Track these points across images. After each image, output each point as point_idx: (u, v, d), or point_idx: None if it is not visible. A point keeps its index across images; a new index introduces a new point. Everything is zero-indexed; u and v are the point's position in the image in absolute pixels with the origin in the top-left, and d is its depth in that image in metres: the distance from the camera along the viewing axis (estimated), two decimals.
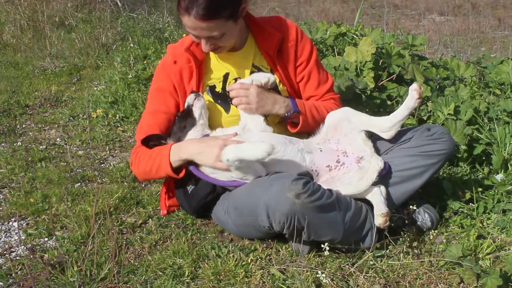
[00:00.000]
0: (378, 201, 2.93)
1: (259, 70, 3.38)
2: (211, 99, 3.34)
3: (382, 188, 3.04)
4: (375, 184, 3.03)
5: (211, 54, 3.38)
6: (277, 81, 3.37)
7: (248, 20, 3.37)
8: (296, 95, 3.44)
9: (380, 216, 2.88)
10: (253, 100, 3.17)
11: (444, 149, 3.14)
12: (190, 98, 3.25)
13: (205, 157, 3.03)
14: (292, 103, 3.28)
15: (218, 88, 3.36)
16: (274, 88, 3.31)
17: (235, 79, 3.34)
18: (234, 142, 2.99)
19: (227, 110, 3.34)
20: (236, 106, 3.24)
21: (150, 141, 3.24)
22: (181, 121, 3.26)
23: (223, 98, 3.33)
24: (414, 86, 3.12)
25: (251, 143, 2.88)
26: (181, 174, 3.18)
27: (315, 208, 2.72)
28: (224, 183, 3.09)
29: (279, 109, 3.24)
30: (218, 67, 3.39)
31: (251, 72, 3.34)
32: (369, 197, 3.00)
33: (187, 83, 3.33)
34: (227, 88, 3.25)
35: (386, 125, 3.17)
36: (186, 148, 3.11)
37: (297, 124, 3.30)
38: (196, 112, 3.22)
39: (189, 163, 3.14)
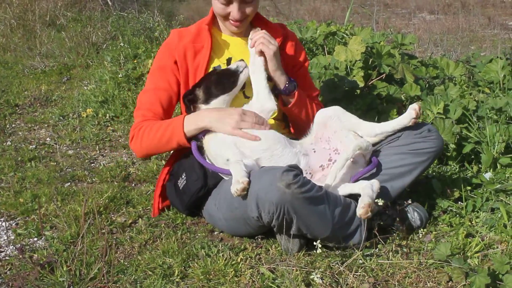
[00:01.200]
0: (365, 194, 2.93)
1: None
2: None
3: (375, 183, 3.03)
4: (368, 179, 3.06)
5: (218, 40, 3.47)
6: None
7: (254, 17, 3.50)
8: None
9: (361, 208, 2.88)
10: (275, 48, 3.24)
11: (433, 147, 3.16)
12: (241, 65, 3.26)
13: (225, 124, 3.10)
14: (292, 79, 3.38)
15: None
16: None
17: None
18: (251, 113, 3.14)
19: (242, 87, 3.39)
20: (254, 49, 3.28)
21: (190, 102, 3.28)
22: (221, 78, 3.25)
23: None
24: (414, 105, 3.14)
25: (237, 171, 2.87)
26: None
27: (305, 199, 2.73)
28: (222, 170, 3.10)
29: (284, 74, 3.33)
30: (223, 51, 3.46)
31: None
32: (359, 190, 3.00)
33: (191, 62, 3.36)
34: (252, 33, 3.30)
35: (374, 131, 3.21)
36: (205, 115, 3.17)
37: (288, 103, 3.37)
38: (241, 79, 3.25)
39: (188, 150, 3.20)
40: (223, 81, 3.24)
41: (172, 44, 3.42)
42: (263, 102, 3.23)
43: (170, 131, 3.20)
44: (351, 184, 3.06)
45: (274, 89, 3.35)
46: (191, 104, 3.29)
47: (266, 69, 3.29)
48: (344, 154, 3.03)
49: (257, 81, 3.25)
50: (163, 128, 3.23)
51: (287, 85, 3.32)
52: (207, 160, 3.16)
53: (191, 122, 3.18)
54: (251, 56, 3.29)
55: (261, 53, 3.25)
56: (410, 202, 3.23)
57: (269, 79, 3.29)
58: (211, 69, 3.39)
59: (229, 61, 3.43)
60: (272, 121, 3.39)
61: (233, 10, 3.25)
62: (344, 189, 3.04)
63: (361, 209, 2.86)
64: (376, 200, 2.92)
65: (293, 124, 3.50)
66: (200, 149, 3.19)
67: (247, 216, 2.89)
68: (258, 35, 3.24)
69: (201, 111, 3.23)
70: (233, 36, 3.49)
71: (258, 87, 3.25)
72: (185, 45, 3.37)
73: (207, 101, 3.25)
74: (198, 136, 3.19)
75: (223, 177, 3.16)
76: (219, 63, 3.42)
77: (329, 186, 3.00)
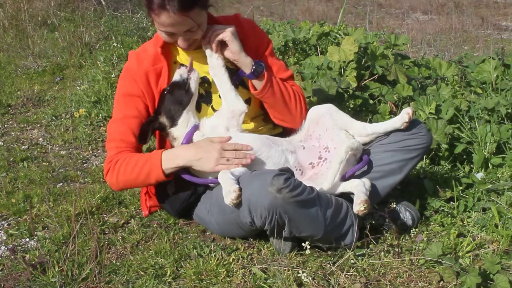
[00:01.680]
0: (359, 191, 2.94)
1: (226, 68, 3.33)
2: None
3: (366, 181, 3.05)
4: (359, 177, 3.08)
5: (175, 54, 3.35)
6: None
7: (208, 19, 3.33)
8: None
9: (358, 204, 2.89)
10: (230, 30, 3.17)
11: (422, 143, 3.19)
12: (183, 71, 3.15)
13: (204, 163, 3.01)
14: (259, 61, 3.29)
15: None
16: None
17: (202, 78, 3.28)
18: (231, 146, 3.02)
19: (198, 109, 3.30)
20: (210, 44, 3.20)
21: (147, 132, 3.15)
22: (175, 96, 3.15)
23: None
24: (408, 110, 3.17)
25: (225, 181, 2.86)
26: (172, 177, 3.15)
27: (296, 203, 2.73)
28: (209, 181, 3.10)
29: (248, 56, 3.24)
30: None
31: None
32: (352, 188, 3.01)
33: (155, 86, 3.25)
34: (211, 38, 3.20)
35: (365, 132, 3.23)
36: (183, 154, 3.06)
37: (259, 87, 3.26)
38: (192, 85, 3.14)
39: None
40: (177, 97, 3.15)
41: (132, 70, 3.27)
42: (231, 106, 3.17)
43: (148, 168, 3.09)
44: (343, 183, 3.07)
45: (241, 74, 3.28)
46: (160, 132, 3.25)
47: (228, 62, 3.23)
48: (338, 157, 3.03)
49: (221, 84, 3.19)
50: (140, 165, 3.10)
51: (253, 67, 3.21)
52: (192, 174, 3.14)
53: (169, 161, 3.07)
54: (208, 58, 3.20)
55: (217, 48, 3.18)
56: (399, 201, 3.25)
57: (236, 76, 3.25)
58: None
59: None
60: (251, 125, 3.35)
61: (179, 41, 3.16)
62: (334, 189, 3.05)
63: (358, 206, 2.87)
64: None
65: (272, 111, 3.35)
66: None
67: (240, 221, 2.91)
68: (208, 32, 3.16)
69: (177, 149, 3.14)
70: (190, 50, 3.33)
71: (223, 90, 3.19)
72: (146, 69, 3.23)
73: (173, 123, 3.17)
74: None
75: (211, 187, 3.17)
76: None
77: (324, 190, 3.00)
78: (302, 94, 3.44)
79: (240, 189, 2.77)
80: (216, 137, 3.09)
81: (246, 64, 3.23)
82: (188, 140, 3.14)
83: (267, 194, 2.69)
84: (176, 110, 3.16)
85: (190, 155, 3.04)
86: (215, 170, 2.98)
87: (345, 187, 3.06)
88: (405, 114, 3.16)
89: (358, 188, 2.98)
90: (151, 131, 3.19)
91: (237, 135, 3.14)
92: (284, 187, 2.68)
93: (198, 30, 3.11)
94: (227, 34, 3.15)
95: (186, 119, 3.19)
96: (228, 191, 2.78)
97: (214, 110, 3.31)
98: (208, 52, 3.20)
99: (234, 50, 3.18)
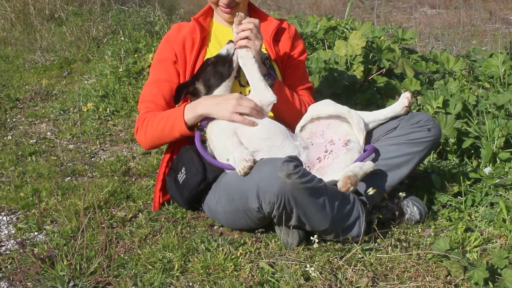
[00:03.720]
0: (349, 170, 2.92)
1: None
2: None
3: (368, 163, 3.03)
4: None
5: (213, 30, 3.55)
6: (275, 66, 3.52)
7: (250, 9, 3.60)
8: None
9: (340, 181, 2.85)
10: (259, 45, 3.20)
11: (429, 136, 3.18)
12: (230, 47, 3.23)
13: (222, 109, 3.12)
14: (271, 73, 3.36)
15: None
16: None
17: None
18: (248, 102, 3.12)
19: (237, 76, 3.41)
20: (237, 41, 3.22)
21: (181, 94, 3.27)
22: (217, 67, 3.23)
23: None
24: (406, 94, 3.20)
25: (241, 151, 2.92)
26: (193, 132, 3.24)
27: (305, 190, 2.74)
28: (223, 165, 3.11)
29: (262, 67, 3.29)
30: (218, 43, 3.49)
31: None
32: (348, 169, 2.99)
33: (189, 53, 3.43)
34: (242, 25, 3.20)
35: (366, 120, 3.24)
36: (203, 102, 3.19)
37: None
38: (235, 61, 3.21)
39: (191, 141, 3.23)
40: (219, 69, 3.24)
41: (171, 36, 3.50)
42: (261, 95, 3.19)
43: (172, 121, 3.24)
44: (344, 169, 3.04)
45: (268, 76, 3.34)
46: (193, 97, 3.30)
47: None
48: (349, 154, 3.07)
49: (250, 75, 3.20)
50: (165, 118, 3.27)
51: (265, 78, 3.25)
52: (208, 152, 3.18)
53: (190, 110, 3.21)
54: (238, 49, 3.21)
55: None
56: (407, 195, 3.24)
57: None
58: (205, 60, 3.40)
59: None
60: (271, 113, 3.38)
61: None
62: (338, 175, 3.03)
63: (341, 182, 2.85)
64: (368, 190, 2.94)
65: (278, 120, 3.39)
66: (203, 143, 3.20)
67: (247, 208, 2.90)
68: (247, 27, 3.18)
69: (199, 99, 3.25)
70: (229, 26, 3.50)
71: (253, 81, 3.20)
72: (184, 36, 3.43)
73: (209, 92, 3.27)
74: (201, 125, 3.21)
75: (226, 170, 3.17)
76: (216, 53, 3.41)
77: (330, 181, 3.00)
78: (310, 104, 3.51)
79: (255, 161, 2.83)
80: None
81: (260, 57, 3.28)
82: None
83: (276, 179, 2.70)
84: (215, 80, 3.25)
85: (209, 103, 3.17)
86: (231, 119, 3.10)
87: (346, 172, 3.03)
88: (405, 99, 3.19)
89: (351, 167, 2.96)
90: (185, 93, 3.31)
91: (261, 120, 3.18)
92: (293, 172, 2.69)
93: None
94: (254, 48, 3.18)
95: (222, 91, 3.26)
96: (243, 159, 2.83)
97: (241, 85, 3.40)
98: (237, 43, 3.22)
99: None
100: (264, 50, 3.50)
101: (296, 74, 3.59)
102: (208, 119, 3.20)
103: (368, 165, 3.01)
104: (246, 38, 3.16)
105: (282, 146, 3.09)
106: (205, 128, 3.20)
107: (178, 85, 3.29)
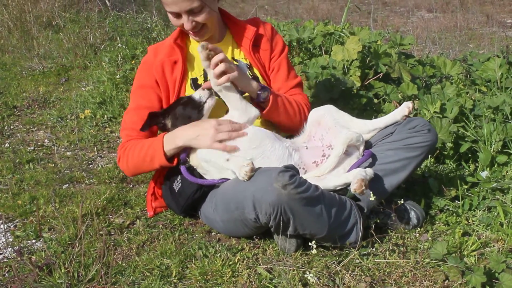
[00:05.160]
0: (357, 173, 2.93)
1: (240, 63, 3.47)
2: (193, 91, 3.34)
3: (368, 170, 3.03)
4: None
5: (192, 49, 3.48)
6: (257, 74, 3.50)
7: (225, 18, 3.56)
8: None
9: (354, 183, 2.87)
10: (236, 72, 3.13)
11: (426, 141, 3.19)
12: (204, 94, 3.20)
13: (201, 140, 3.09)
14: (264, 86, 3.33)
15: (200, 81, 3.42)
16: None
17: None
18: (226, 124, 3.09)
19: None
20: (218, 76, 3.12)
21: (151, 122, 3.24)
22: (186, 110, 3.21)
23: None
24: (409, 104, 3.22)
25: (238, 159, 2.93)
26: (175, 162, 3.23)
27: (301, 200, 2.74)
28: (217, 181, 3.13)
29: (254, 86, 3.24)
30: (199, 61, 3.41)
31: None
32: (351, 176, 2.98)
33: (170, 76, 3.38)
34: (213, 60, 3.09)
35: (367, 128, 3.26)
36: (181, 134, 3.15)
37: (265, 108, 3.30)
38: (206, 109, 3.20)
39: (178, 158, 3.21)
40: (188, 112, 3.21)
41: (149, 61, 3.45)
42: (245, 113, 3.18)
43: (152, 152, 3.22)
44: (344, 174, 3.06)
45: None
46: (162, 130, 3.30)
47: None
48: (335, 150, 3.07)
49: (228, 100, 3.18)
50: (146, 148, 3.24)
51: (259, 93, 3.25)
52: (199, 176, 3.20)
53: (169, 142, 3.18)
54: (211, 78, 3.13)
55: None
56: (404, 200, 3.24)
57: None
58: (188, 81, 3.41)
59: (205, 72, 3.40)
60: (257, 122, 3.36)
61: (184, 22, 3.25)
62: (338, 180, 3.04)
63: (355, 184, 2.87)
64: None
65: (279, 127, 3.44)
66: (191, 169, 3.21)
67: (244, 218, 2.90)
68: (218, 59, 3.08)
69: (176, 130, 3.20)
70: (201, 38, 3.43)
71: (233, 104, 3.18)
72: (162, 60, 3.39)
73: (175, 126, 3.23)
74: (182, 159, 3.20)
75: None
76: (195, 74, 3.44)
77: (328, 185, 3.00)
78: (307, 105, 3.53)
79: (253, 163, 2.83)
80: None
81: (252, 90, 3.26)
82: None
83: (273, 190, 2.70)
84: (181, 121, 3.21)
85: (188, 134, 3.13)
86: (212, 148, 3.06)
87: (347, 177, 3.04)
88: (406, 108, 3.21)
89: (357, 172, 2.97)
90: (154, 124, 3.29)
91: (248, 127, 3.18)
92: (289, 183, 2.69)
93: (202, 13, 3.23)
94: (234, 76, 3.11)
95: None
96: (242, 166, 2.82)
97: None
98: (210, 73, 3.12)
99: (240, 86, 3.20)
100: (244, 60, 3.51)
101: (282, 75, 3.57)
102: (186, 150, 3.18)
103: (370, 172, 3.02)
104: (223, 72, 3.07)
105: (273, 150, 3.10)
106: (187, 159, 3.19)
107: (150, 113, 3.23)
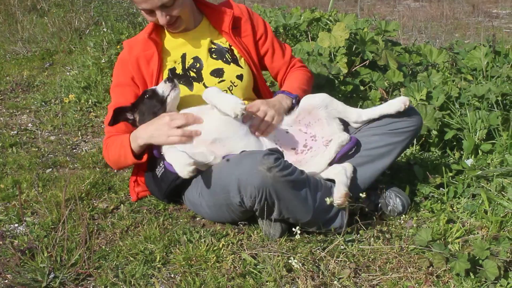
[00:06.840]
0: (340, 182, 2.94)
1: (219, 46, 3.47)
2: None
3: (348, 167, 3.05)
4: (342, 162, 3.08)
5: (166, 38, 3.47)
6: (238, 56, 3.49)
7: (199, 4, 3.54)
8: (256, 69, 3.54)
9: (338, 198, 2.89)
10: (272, 112, 3.20)
11: (411, 126, 3.18)
12: (166, 88, 3.14)
13: (158, 138, 3.07)
14: (287, 93, 3.39)
15: (178, 70, 3.40)
16: None
17: (193, 58, 3.41)
18: (181, 117, 3.05)
19: (190, 88, 3.37)
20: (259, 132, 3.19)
21: (118, 118, 3.21)
22: (151, 105, 3.17)
23: (185, 78, 3.38)
24: (406, 100, 3.15)
25: (178, 156, 2.88)
26: (144, 158, 3.24)
27: (286, 183, 2.73)
28: None
29: (287, 103, 3.32)
30: (174, 49, 3.44)
31: (210, 49, 3.45)
32: (333, 176, 3.01)
33: (146, 70, 3.36)
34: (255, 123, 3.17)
35: (360, 118, 3.21)
36: (141, 133, 3.15)
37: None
38: (169, 102, 3.15)
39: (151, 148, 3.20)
40: (152, 106, 3.18)
41: (124, 58, 3.43)
42: (230, 106, 2.99)
43: (124, 150, 3.23)
44: (327, 169, 3.07)
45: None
46: (133, 125, 3.28)
47: (214, 40, 3.40)
48: (327, 155, 3.08)
49: (211, 98, 3.08)
50: (119, 146, 3.27)
51: (294, 104, 3.32)
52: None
53: (133, 140, 3.19)
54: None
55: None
56: (389, 187, 3.25)
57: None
58: (166, 72, 3.38)
59: (183, 57, 3.42)
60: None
61: (158, 17, 3.23)
62: (320, 168, 3.05)
63: (339, 200, 2.88)
64: (360, 194, 2.96)
65: None
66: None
67: (229, 202, 2.89)
68: (257, 121, 3.15)
69: (138, 129, 3.19)
70: (179, 37, 3.46)
71: (214, 99, 3.07)
72: (137, 55, 3.36)
73: (143, 123, 3.21)
74: (155, 154, 3.18)
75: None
76: (173, 63, 3.41)
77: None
78: (310, 73, 3.74)
79: (195, 162, 2.80)
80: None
81: (288, 106, 3.32)
82: None
83: (257, 172, 2.69)
84: (147, 115, 3.18)
85: (146, 133, 3.13)
86: (170, 143, 3.04)
87: (328, 174, 3.05)
88: (402, 104, 3.13)
89: (340, 177, 2.97)
90: (121, 119, 3.25)
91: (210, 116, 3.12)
92: (274, 166, 2.68)
93: (175, 6, 3.21)
94: (278, 120, 3.21)
95: None
96: (184, 165, 2.78)
97: (206, 87, 3.34)
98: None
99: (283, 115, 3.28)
100: (225, 44, 3.50)
101: (278, 54, 3.65)
102: (156, 146, 3.16)
103: (349, 169, 3.04)
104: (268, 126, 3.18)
105: (235, 134, 3.07)
106: (162, 154, 3.15)
107: (116, 109, 3.21)
